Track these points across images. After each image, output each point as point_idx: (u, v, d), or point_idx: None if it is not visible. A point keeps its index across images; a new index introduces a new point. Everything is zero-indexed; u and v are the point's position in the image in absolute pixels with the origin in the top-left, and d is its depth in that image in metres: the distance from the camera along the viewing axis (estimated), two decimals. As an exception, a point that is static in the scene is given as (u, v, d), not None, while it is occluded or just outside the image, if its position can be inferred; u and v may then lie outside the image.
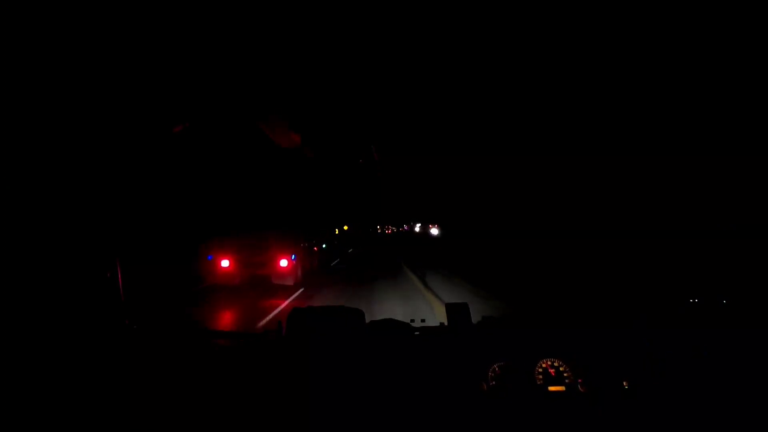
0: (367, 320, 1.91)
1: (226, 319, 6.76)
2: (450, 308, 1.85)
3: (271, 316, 6.70)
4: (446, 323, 1.86)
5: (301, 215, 11.88)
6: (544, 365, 1.53)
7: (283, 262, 8.87)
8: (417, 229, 64.00)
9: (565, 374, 1.51)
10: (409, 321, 1.90)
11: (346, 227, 26.04)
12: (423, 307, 7.02)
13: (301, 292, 8.84)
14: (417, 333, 1.82)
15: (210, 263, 9.00)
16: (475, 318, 1.87)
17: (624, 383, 1.45)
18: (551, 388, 1.48)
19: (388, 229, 73.96)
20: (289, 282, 9.05)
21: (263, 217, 9.93)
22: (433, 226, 47.54)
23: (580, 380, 1.49)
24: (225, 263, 8.95)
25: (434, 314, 6.03)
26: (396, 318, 1.96)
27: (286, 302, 7.68)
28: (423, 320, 1.94)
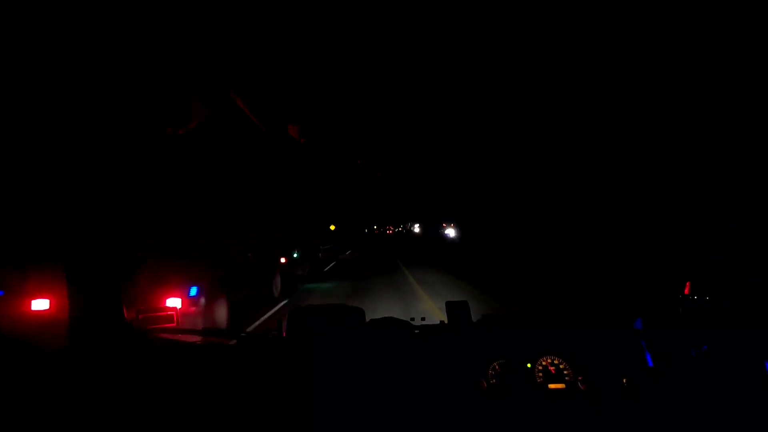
0: (368, 319, 1.92)
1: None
2: (450, 306, 1.85)
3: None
4: (446, 321, 1.86)
5: (237, 210, 7.28)
6: (544, 363, 1.53)
7: (174, 302, 4.78)
8: (416, 229, 63.38)
9: (565, 372, 1.51)
10: (409, 319, 1.91)
11: (332, 227, 20.57)
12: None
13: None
14: (417, 331, 1.82)
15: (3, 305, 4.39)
16: (476, 316, 1.87)
17: (624, 381, 1.45)
18: (551, 386, 1.48)
19: (389, 230, 73.95)
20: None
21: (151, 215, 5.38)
22: (447, 225, 41.13)
23: (580, 378, 1.49)
24: (40, 305, 4.50)
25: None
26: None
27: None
28: (423, 318, 1.94)
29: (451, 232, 39.30)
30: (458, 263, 15.72)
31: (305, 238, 11.94)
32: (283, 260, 8.86)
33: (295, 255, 10.09)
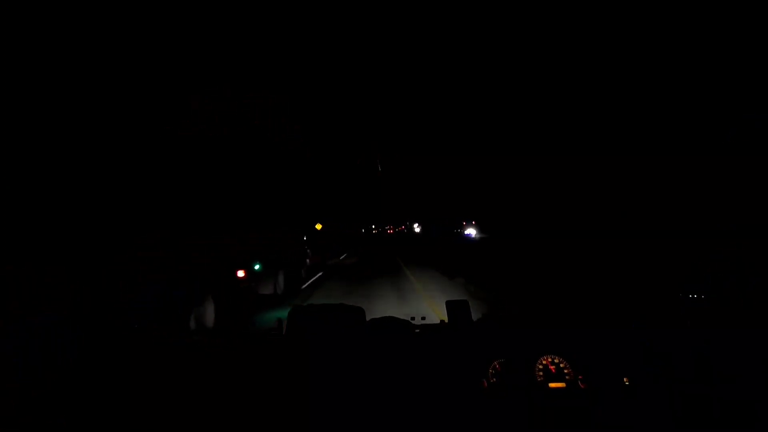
0: (368, 318, 1.92)
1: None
2: (450, 305, 1.85)
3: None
4: (447, 321, 1.87)
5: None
6: (544, 362, 1.53)
7: None
8: (417, 229, 62.99)
9: (565, 371, 1.51)
10: (409, 318, 1.91)
11: (319, 226, 17.89)
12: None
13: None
14: (417, 331, 1.82)
15: None
16: (476, 316, 1.87)
17: (625, 380, 1.45)
18: (552, 385, 1.48)
19: (389, 229, 73.84)
20: None
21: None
22: (467, 225, 36.75)
23: (580, 377, 1.49)
24: None
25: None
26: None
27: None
28: (423, 318, 1.94)
29: (472, 231, 34.51)
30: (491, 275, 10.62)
31: (281, 239, 8.82)
32: (241, 274, 6.10)
33: (256, 267, 6.77)
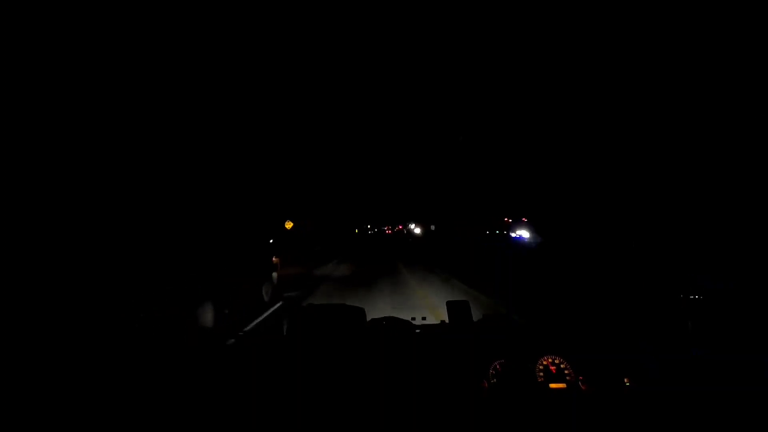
0: (368, 318, 1.92)
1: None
2: (451, 306, 1.85)
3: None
4: (447, 321, 1.87)
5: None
6: (545, 362, 1.53)
7: None
8: (417, 230, 61.60)
9: (566, 372, 1.51)
10: (410, 319, 1.91)
11: (289, 224, 15.44)
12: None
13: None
14: (418, 331, 1.82)
15: None
16: (476, 316, 1.87)
17: (625, 381, 1.45)
18: (552, 386, 1.48)
19: (388, 229, 73.54)
20: None
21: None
22: (514, 224, 28.03)
23: (581, 378, 1.49)
24: None
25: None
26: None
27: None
28: (424, 318, 1.94)
29: (524, 233, 26.79)
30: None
31: (215, 248, 5.92)
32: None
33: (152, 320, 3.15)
